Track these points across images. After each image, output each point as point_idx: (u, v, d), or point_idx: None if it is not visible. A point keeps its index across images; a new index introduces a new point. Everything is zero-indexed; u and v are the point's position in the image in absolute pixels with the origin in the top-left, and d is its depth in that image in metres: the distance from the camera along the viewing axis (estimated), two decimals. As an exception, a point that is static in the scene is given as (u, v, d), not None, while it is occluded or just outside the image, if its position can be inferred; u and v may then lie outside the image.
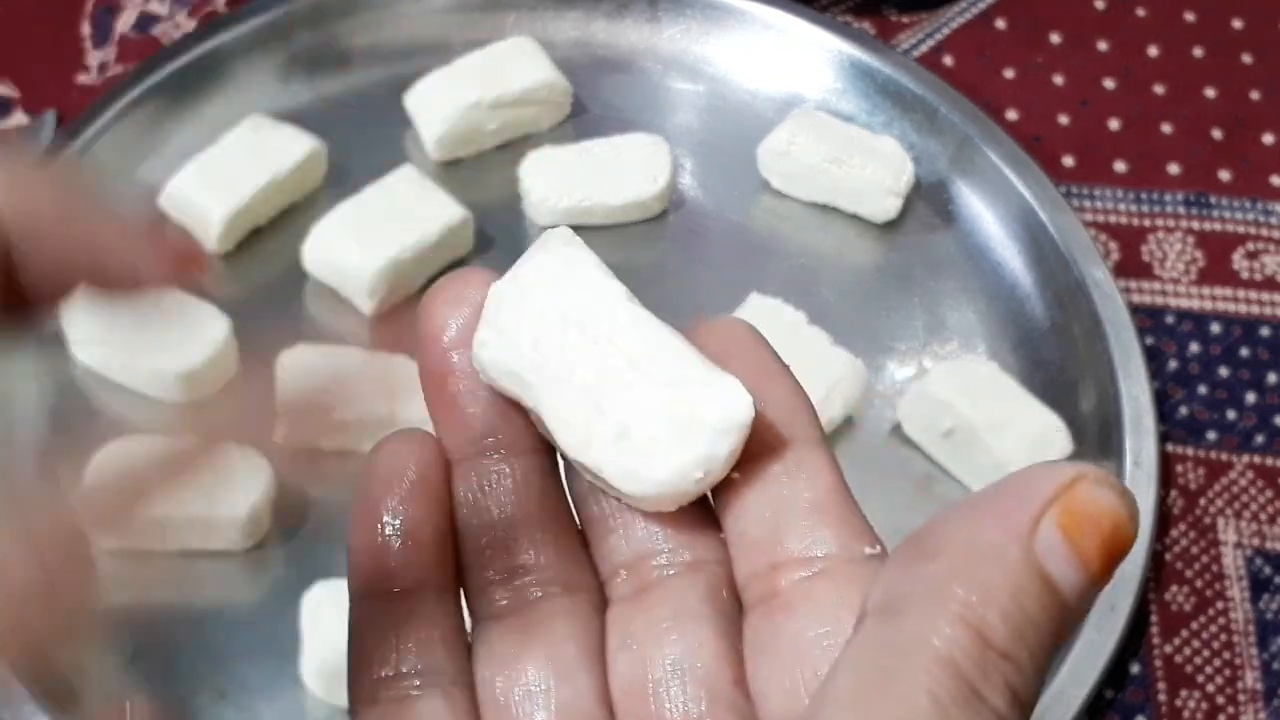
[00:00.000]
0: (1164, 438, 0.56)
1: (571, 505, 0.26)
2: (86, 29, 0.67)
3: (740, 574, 0.25)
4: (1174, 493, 0.56)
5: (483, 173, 0.62)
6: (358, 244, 0.56)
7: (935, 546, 0.23)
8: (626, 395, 0.24)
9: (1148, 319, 0.60)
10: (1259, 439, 0.57)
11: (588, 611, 0.25)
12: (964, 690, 0.21)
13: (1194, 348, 0.60)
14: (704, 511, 0.26)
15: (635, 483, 0.24)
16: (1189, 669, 0.52)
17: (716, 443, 0.24)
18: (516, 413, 0.26)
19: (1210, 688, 0.51)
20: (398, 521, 0.26)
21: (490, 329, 0.25)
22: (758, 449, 0.25)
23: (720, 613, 0.25)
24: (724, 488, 0.25)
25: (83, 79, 0.65)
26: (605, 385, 0.24)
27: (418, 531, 0.26)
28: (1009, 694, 0.21)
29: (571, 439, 0.24)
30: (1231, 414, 0.58)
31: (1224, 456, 0.57)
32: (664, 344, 0.25)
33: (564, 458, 0.26)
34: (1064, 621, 0.22)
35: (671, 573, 0.25)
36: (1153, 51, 0.70)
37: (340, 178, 0.60)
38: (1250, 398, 0.59)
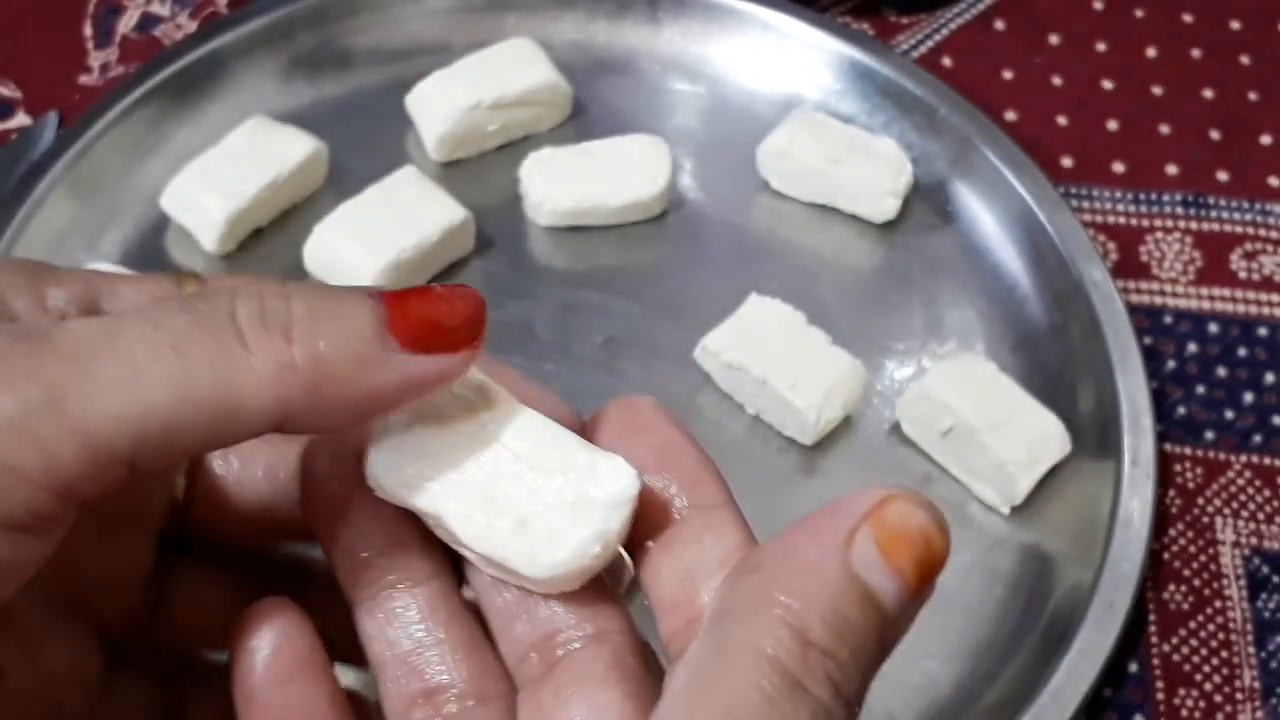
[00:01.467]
0: (1162, 437, 0.57)
1: (477, 608, 0.28)
2: (88, 30, 0.67)
3: (664, 635, 0.27)
4: (1172, 492, 0.56)
5: (483, 173, 0.62)
6: (359, 244, 0.56)
7: (759, 563, 0.25)
8: (520, 488, 0.26)
9: (1146, 319, 0.61)
10: (1256, 438, 0.58)
11: (503, 714, 0.27)
12: (788, 682, 0.23)
13: (1192, 348, 0.60)
14: (602, 585, 0.27)
15: (538, 567, 0.26)
16: (1187, 667, 0.52)
17: (608, 518, 0.26)
18: (413, 541, 0.27)
19: (1208, 686, 0.52)
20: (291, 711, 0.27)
21: (382, 448, 0.26)
22: (665, 518, 0.27)
23: (627, 678, 0.26)
24: (642, 558, 0.27)
25: (85, 80, 0.65)
26: (499, 481, 0.26)
27: (312, 710, 0.27)
28: (830, 686, 0.23)
29: (472, 535, 0.26)
30: (1229, 414, 0.58)
31: (1222, 456, 0.57)
32: (549, 436, 0.27)
33: (466, 557, 0.27)
34: (885, 628, 0.25)
35: (576, 646, 0.26)
36: (1151, 53, 0.70)
37: (341, 178, 0.60)
38: (1248, 397, 0.59)
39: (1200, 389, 0.59)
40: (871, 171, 0.60)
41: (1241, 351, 0.60)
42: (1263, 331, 0.61)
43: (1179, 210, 0.64)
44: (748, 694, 0.23)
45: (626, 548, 0.27)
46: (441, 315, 0.25)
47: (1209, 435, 0.58)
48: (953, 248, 0.61)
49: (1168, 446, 0.57)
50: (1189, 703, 0.51)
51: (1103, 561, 0.51)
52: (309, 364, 0.24)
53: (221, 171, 0.57)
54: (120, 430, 0.23)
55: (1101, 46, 0.70)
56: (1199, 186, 0.65)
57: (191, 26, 0.67)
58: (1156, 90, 0.69)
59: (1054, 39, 0.70)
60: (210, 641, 0.30)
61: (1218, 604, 0.53)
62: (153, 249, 0.58)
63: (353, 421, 0.25)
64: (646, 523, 0.27)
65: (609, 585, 0.28)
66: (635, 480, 0.26)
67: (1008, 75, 0.69)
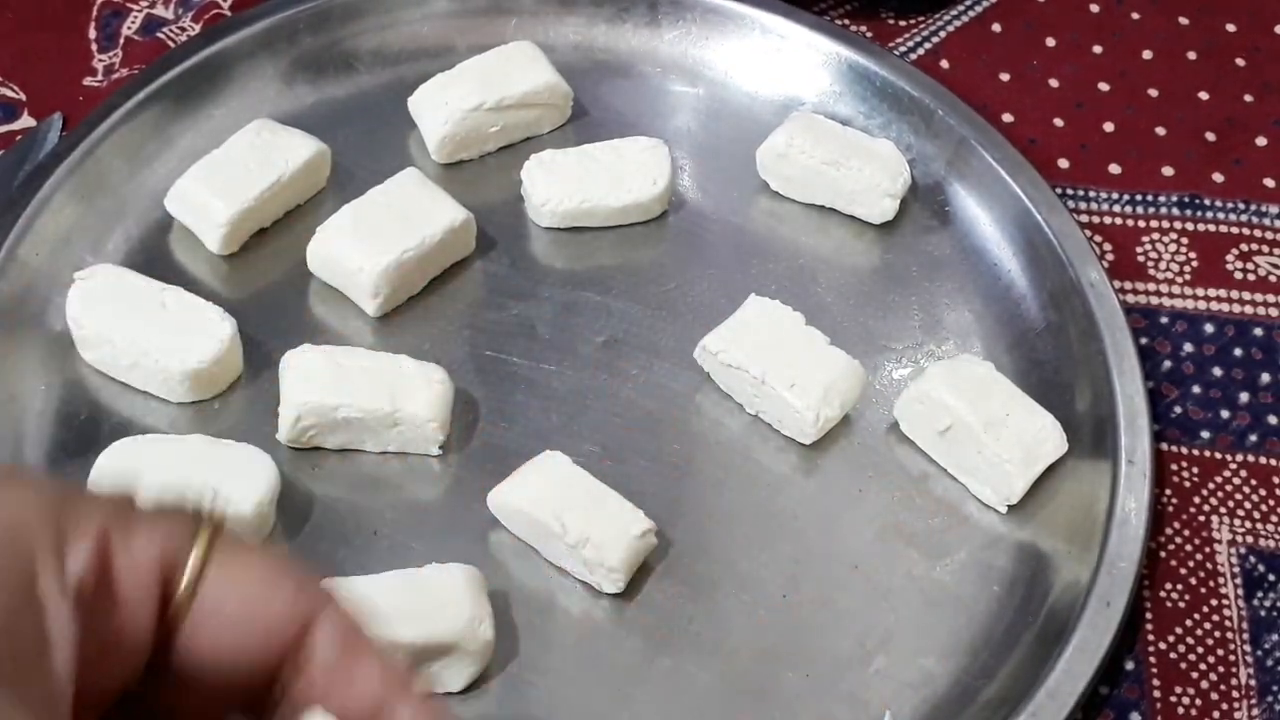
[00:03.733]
0: (1158, 437, 0.57)
1: None
2: (93, 32, 0.68)
3: None
4: (1168, 491, 0.56)
5: (485, 175, 0.62)
6: (361, 245, 0.56)
7: None
8: None
9: (1142, 319, 0.61)
10: (1252, 438, 0.58)
11: None
12: None
13: (1188, 348, 0.60)
14: None
15: None
16: (1183, 665, 0.52)
17: None
18: None
19: (1204, 684, 0.52)
20: None
21: None
22: None
23: None
24: None
25: (89, 82, 0.66)
26: None
27: None
28: None
29: None
30: (1225, 413, 0.59)
31: (1217, 455, 0.57)
32: None
33: None
34: None
35: None
36: (1147, 55, 0.70)
37: (344, 180, 0.61)
38: (1243, 397, 0.59)
39: (1196, 389, 0.59)
40: (870, 173, 0.60)
41: (1237, 351, 0.60)
42: (1258, 331, 0.61)
43: (1175, 211, 0.65)
44: None
45: None
46: None
47: (1205, 435, 0.58)
48: (950, 248, 0.62)
49: (1164, 446, 0.57)
50: (1185, 700, 0.51)
51: (1099, 560, 0.51)
52: None
53: (225, 173, 0.58)
54: None
55: (1098, 49, 0.70)
56: (1195, 188, 0.65)
57: (195, 29, 0.68)
58: (1152, 92, 0.69)
59: (1050, 41, 0.71)
60: None
61: (1214, 602, 0.54)
62: (157, 250, 0.59)
63: None
64: None
65: None
66: None
67: (1005, 77, 0.69)
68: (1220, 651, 0.52)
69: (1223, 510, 0.56)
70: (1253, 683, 0.52)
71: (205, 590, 0.28)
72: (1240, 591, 0.54)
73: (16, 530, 0.26)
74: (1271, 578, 0.54)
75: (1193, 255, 0.63)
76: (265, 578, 0.29)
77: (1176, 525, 0.55)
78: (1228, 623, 0.53)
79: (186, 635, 0.28)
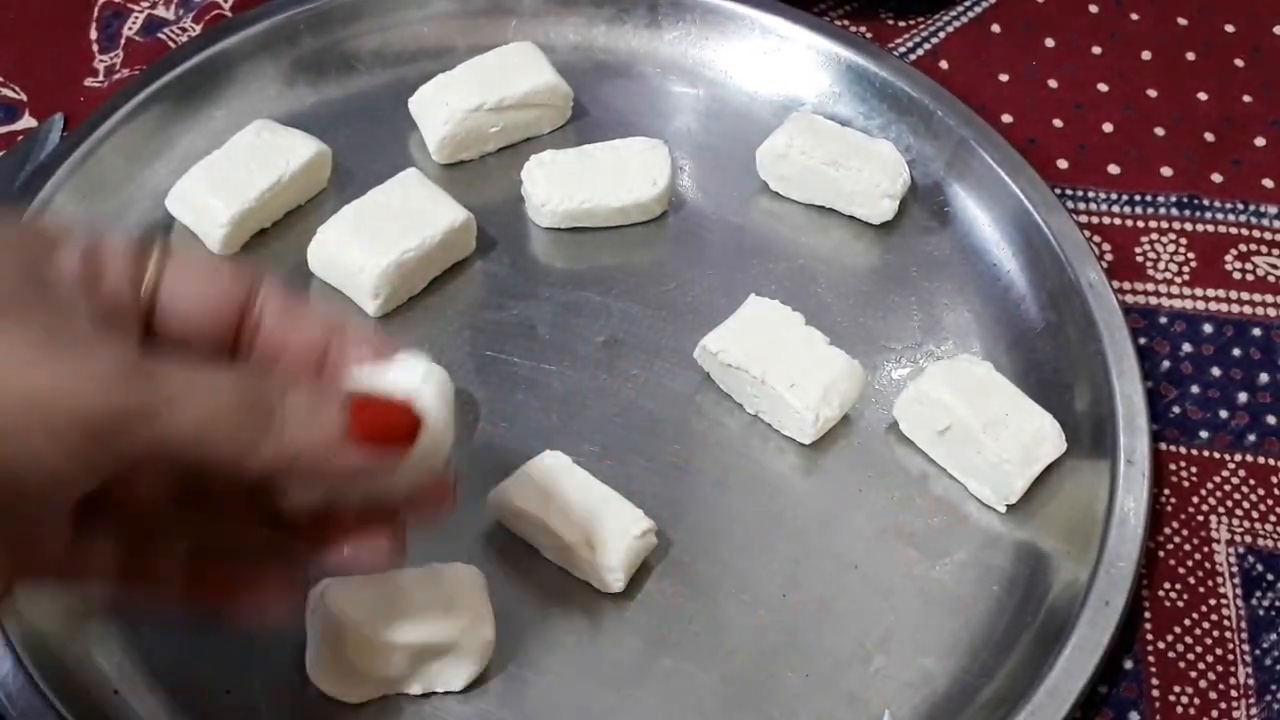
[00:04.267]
0: (1157, 436, 0.57)
1: None
2: (94, 33, 0.68)
3: None
4: (1167, 491, 0.56)
5: (485, 175, 0.62)
6: (362, 246, 0.56)
7: None
8: None
9: (1141, 319, 0.61)
10: (1250, 438, 0.58)
11: None
12: None
13: (1186, 348, 0.60)
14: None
15: None
16: (1182, 664, 0.52)
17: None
18: None
19: (1203, 683, 0.52)
20: None
21: None
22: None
23: None
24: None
25: (90, 83, 0.66)
26: None
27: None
28: None
29: None
30: (1223, 413, 0.59)
31: (1216, 455, 0.57)
32: None
33: None
34: None
35: None
36: (1146, 55, 0.70)
37: (345, 180, 0.61)
38: (1242, 397, 0.59)
39: (1195, 389, 0.59)
40: (869, 173, 0.60)
41: (1235, 351, 0.60)
42: (1256, 332, 0.61)
43: (1174, 211, 0.65)
44: None
45: None
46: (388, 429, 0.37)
47: (1203, 434, 0.58)
48: (949, 249, 0.62)
49: (1163, 445, 0.57)
50: (1184, 699, 0.52)
51: (1098, 559, 0.52)
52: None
53: (226, 174, 0.58)
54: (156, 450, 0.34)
55: (1097, 49, 0.71)
56: (1194, 188, 0.66)
57: (196, 30, 0.68)
58: (1151, 92, 0.69)
59: (1050, 42, 0.71)
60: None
61: (1212, 601, 0.54)
62: (157, 250, 0.59)
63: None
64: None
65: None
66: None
67: (1004, 78, 0.69)
68: (1219, 651, 0.53)
69: (1221, 510, 0.56)
70: (1251, 682, 0.52)
71: (166, 277, 0.37)
72: (1239, 591, 0.54)
73: (23, 228, 0.38)
74: (1270, 577, 0.54)
75: (1191, 255, 0.63)
76: (210, 264, 0.44)
77: (1175, 525, 0.56)
78: (1226, 622, 0.53)
79: (161, 312, 0.38)
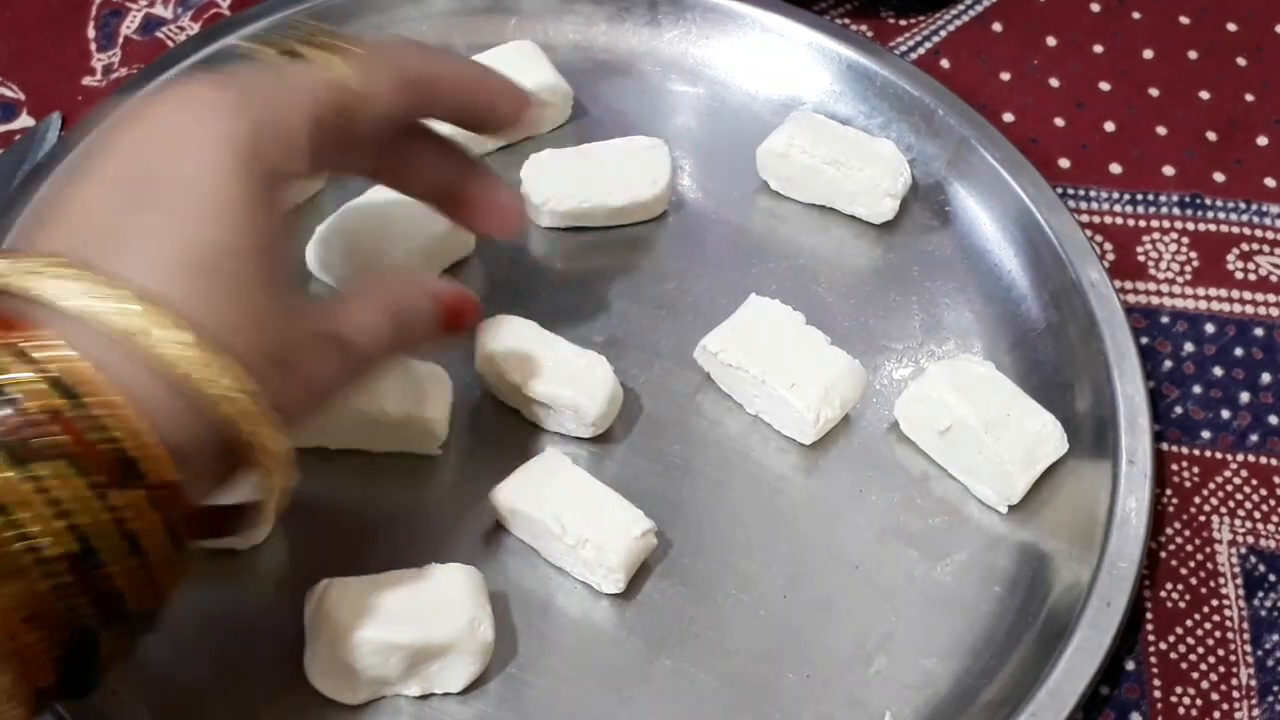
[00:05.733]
0: (1159, 437, 0.57)
1: None
2: (91, 32, 0.68)
3: None
4: (1169, 491, 0.56)
5: (484, 174, 0.62)
6: (361, 245, 0.56)
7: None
8: None
9: (1143, 319, 0.61)
10: (1253, 438, 0.58)
11: None
12: None
13: (1188, 347, 0.60)
14: None
15: None
16: (1184, 665, 0.52)
17: None
18: None
19: (1205, 684, 0.52)
20: None
21: None
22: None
23: None
24: None
25: (88, 81, 0.66)
26: None
27: None
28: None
29: None
30: (1226, 413, 0.59)
31: (1218, 455, 0.57)
32: None
33: None
34: None
35: None
36: (1148, 54, 0.70)
37: (344, 179, 0.61)
38: (1244, 397, 0.59)
39: (1197, 389, 0.59)
40: (870, 172, 0.60)
41: (1238, 351, 0.60)
42: (1259, 331, 0.61)
43: (1176, 211, 0.65)
44: None
45: None
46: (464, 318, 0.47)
47: (1205, 435, 0.58)
48: (951, 248, 0.62)
49: (1164, 446, 0.57)
50: (1185, 701, 0.51)
51: (1100, 560, 0.51)
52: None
53: (224, 173, 0.58)
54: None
55: (1099, 48, 0.71)
56: (1196, 187, 0.65)
57: (194, 28, 0.68)
58: (1153, 91, 0.69)
59: (1051, 41, 0.71)
60: None
61: (1214, 602, 0.54)
62: (156, 250, 0.59)
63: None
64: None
65: None
66: None
67: (1005, 77, 0.69)
68: (1221, 651, 0.52)
69: (1223, 510, 0.56)
70: (1253, 683, 0.52)
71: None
72: (1241, 592, 0.54)
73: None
74: (1272, 578, 0.54)
75: (1193, 255, 0.63)
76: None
77: (1177, 525, 0.55)
78: (1228, 623, 0.53)
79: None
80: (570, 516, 0.50)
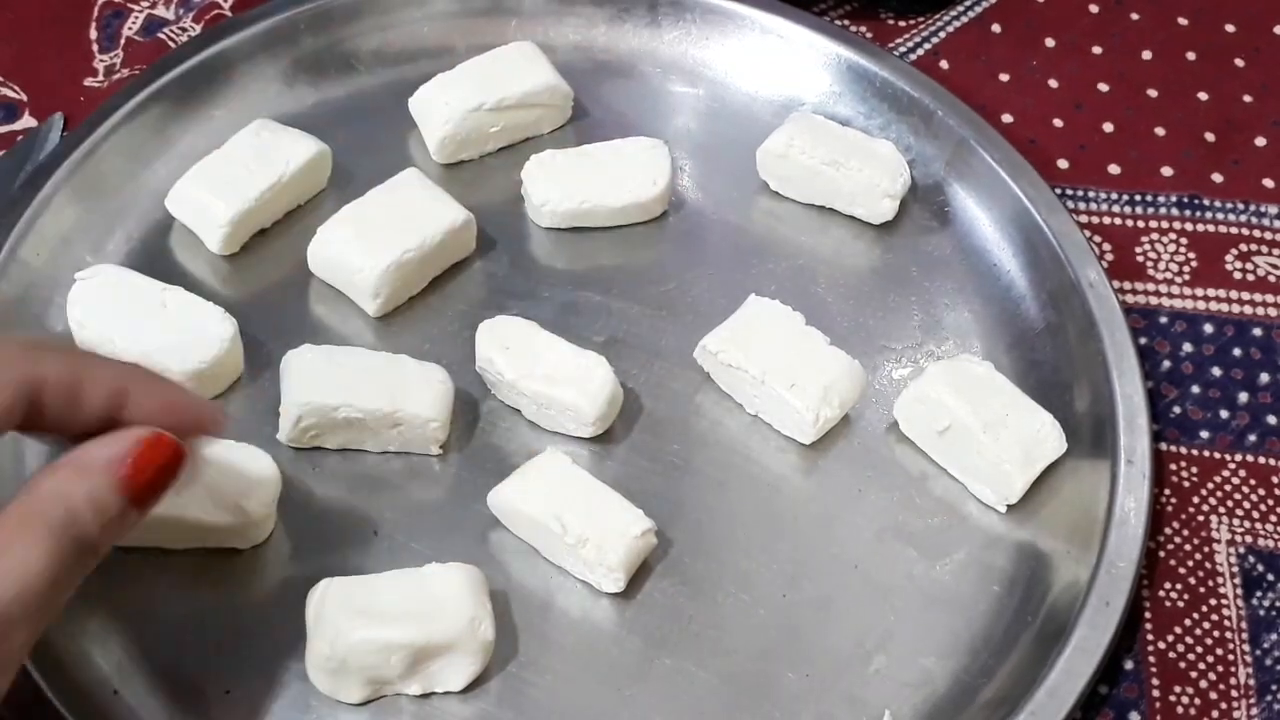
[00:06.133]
0: (1157, 436, 0.57)
1: None
2: (94, 33, 0.68)
3: None
4: (1167, 491, 0.56)
5: (485, 175, 0.62)
6: (362, 246, 0.56)
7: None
8: None
9: (1141, 319, 0.61)
10: (1251, 438, 0.58)
11: None
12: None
13: (1187, 348, 0.60)
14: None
15: None
16: (1182, 665, 0.52)
17: None
18: None
19: (1203, 684, 0.52)
20: None
21: None
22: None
23: None
24: None
25: (90, 82, 0.66)
26: None
27: None
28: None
29: None
30: (1224, 413, 0.59)
31: (1217, 455, 0.57)
32: None
33: None
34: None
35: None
36: (1146, 55, 0.70)
37: (345, 180, 0.61)
38: (1242, 397, 0.59)
39: (1195, 389, 0.59)
40: (869, 173, 0.60)
41: (1236, 351, 0.60)
42: (1257, 332, 0.61)
43: (1174, 211, 0.65)
44: None
45: None
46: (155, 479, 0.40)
47: (1204, 434, 0.58)
48: (950, 249, 0.62)
49: (1163, 446, 0.57)
50: (1184, 700, 0.52)
51: (1099, 559, 0.52)
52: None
53: (226, 173, 0.58)
54: None
55: (1097, 49, 0.71)
56: (1194, 188, 0.66)
57: (196, 30, 0.68)
58: (1152, 92, 0.69)
59: (1050, 42, 0.71)
60: None
61: (1213, 602, 0.54)
62: (157, 251, 0.59)
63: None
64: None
65: None
66: None
67: (1004, 78, 0.69)
68: (1219, 651, 0.53)
69: (1222, 510, 0.56)
70: (1251, 682, 0.52)
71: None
72: (1239, 591, 0.54)
73: None
74: (1270, 577, 0.54)
75: (1192, 255, 0.63)
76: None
77: (1176, 525, 0.56)
78: (1227, 622, 0.53)
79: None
80: (570, 516, 0.50)
